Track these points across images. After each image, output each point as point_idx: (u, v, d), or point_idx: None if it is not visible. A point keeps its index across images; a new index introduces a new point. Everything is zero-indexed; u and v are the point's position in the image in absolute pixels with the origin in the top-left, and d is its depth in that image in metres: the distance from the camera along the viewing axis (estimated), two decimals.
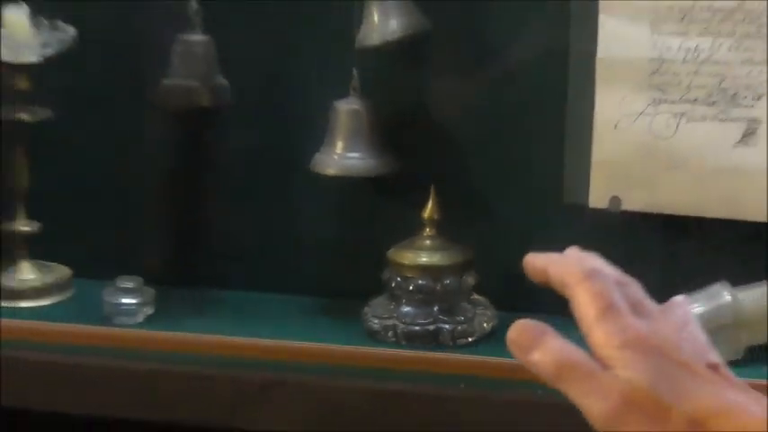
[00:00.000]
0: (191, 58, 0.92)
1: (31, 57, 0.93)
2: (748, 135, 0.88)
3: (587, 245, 0.57)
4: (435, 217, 0.92)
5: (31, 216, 1.00)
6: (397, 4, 0.90)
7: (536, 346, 0.55)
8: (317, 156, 0.95)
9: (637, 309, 0.57)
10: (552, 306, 0.64)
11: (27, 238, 1.01)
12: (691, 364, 0.55)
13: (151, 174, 1.06)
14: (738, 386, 0.55)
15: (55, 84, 0.99)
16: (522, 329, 0.55)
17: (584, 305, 0.56)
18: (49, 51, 0.93)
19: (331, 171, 0.95)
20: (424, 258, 0.93)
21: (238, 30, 1.00)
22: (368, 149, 0.95)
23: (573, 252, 0.59)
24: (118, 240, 1.06)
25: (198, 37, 0.92)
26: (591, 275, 0.56)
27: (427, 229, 0.93)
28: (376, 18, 0.91)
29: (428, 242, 0.93)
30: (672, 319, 0.59)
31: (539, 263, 0.59)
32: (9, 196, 1.01)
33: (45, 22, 0.95)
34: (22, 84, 0.95)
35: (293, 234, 1.06)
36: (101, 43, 1.00)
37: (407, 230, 0.96)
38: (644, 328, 0.55)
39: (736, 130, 0.89)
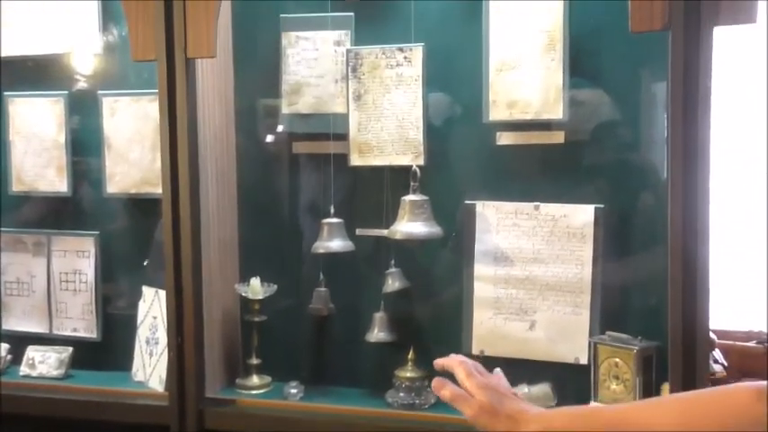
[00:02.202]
0: (320, 298, 2.23)
1: (258, 296, 2.22)
2: (531, 328, 2.14)
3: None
4: (412, 357, 2.14)
5: (257, 356, 2.23)
6: (398, 276, 2.18)
7: (443, 388, 1.19)
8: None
9: (482, 373, 1.21)
10: None
11: (255, 366, 2.23)
12: (506, 393, 1.20)
13: (300, 335, 2.31)
14: (527, 403, 1.19)
15: (270, 305, 2.24)
16: (438, 382, 1.21)
17: (461, 375, 1.20)
18: (266, 294, 2.21)
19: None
20: (408, 374, 2.11)
21: (339, 283, 2.25)
22: None
23: (454, 356, 1.27)
24: (286, 366, 2.27)
25: (323, 289, 2.23)
26: (462, 363, 1.22)
27: (409, 362, 2.13)
28: (389, 281, 2.17)
29: (409, 367, 2.12)
30: (496, 377, 1.26)
31: (440, 363, 1.27)
32: (248, 347, 2.24)
33: (265, 283, 2.21)
34: (256, 306, 2.21)
35: (355, 364, 2.25)
36: (283, 292, 2.24)
37: (403, 361, 2.15)
38: (486, 381, 1.18)
39: (528, 325, 2.13)
